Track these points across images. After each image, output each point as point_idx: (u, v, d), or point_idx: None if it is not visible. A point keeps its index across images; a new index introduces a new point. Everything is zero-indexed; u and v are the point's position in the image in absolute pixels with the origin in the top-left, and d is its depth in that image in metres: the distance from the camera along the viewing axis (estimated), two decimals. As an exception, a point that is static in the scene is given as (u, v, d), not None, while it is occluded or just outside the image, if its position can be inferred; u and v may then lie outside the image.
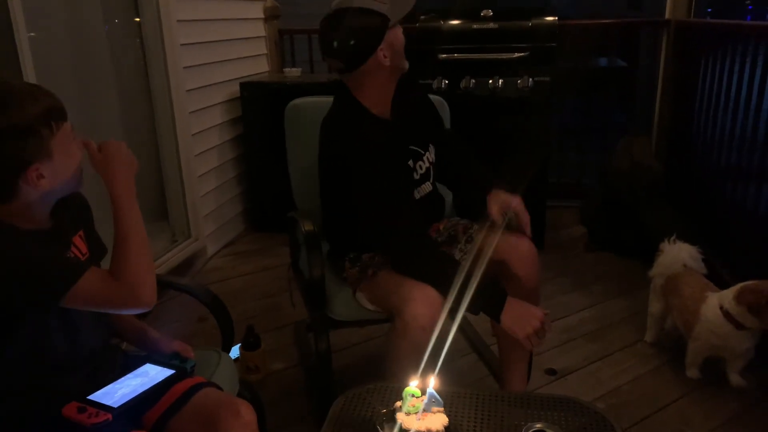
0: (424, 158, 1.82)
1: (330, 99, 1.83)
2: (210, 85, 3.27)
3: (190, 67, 3.04)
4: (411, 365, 1.52)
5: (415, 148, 1.79)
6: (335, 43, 1.63)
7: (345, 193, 1.71)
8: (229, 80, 3.45)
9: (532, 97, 3.05)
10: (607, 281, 2.95)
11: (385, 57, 1.65)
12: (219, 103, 3.39)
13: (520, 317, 1.57)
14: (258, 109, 3.46)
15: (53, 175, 1.12)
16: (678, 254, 2.29)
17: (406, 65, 1.72)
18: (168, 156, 3.03)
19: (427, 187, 1.83)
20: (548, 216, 3.34)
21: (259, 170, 3.59)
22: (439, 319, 1.57)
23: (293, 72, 3.71)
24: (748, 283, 2.00)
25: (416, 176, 1.79)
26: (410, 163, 1.77)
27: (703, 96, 3.09)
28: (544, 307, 2.51)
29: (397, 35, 1.67)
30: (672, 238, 2.35)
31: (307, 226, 1.86)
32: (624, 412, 2.01)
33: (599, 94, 3.66)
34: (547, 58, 3.08)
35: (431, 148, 1.84)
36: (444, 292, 1.58)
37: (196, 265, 3.18)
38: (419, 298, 1.57)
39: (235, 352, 2.32)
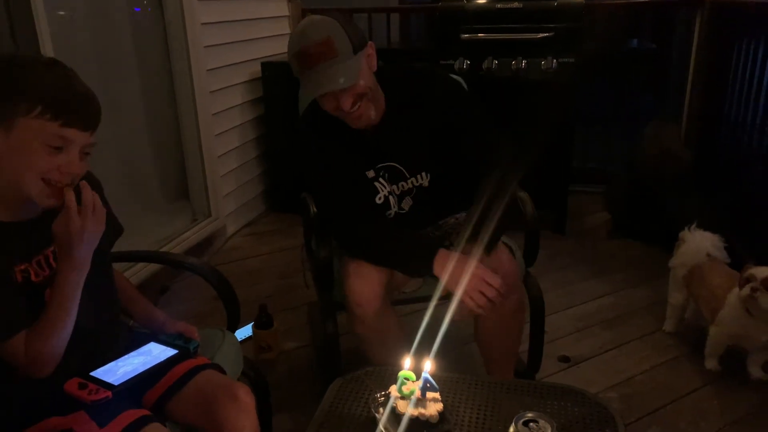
0: (408, 181, 1.68)
1: None
2: (231, 64, 3.27)
3: (211, 46, 3.04)
4: (370, 342, 1.61)
5: (396, 165, 1.66)
6: None
7: None
8: (251, 60, 3.44)
9: (556, 79, 2.97)
10: (629, 269, 2.89)
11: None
12: (240, 83, 3.39)
13: (457, 272, 1.45)
14: (279, 89, 3.45)
15: (2, 149, 1.07)
16: (701, 243, 2.23)
17: (351, 124, 1.56)
18: (189, 135, 3.05)
19: (405, 204, 1.71)
20: (571, 201, 3.27)
21: (279, 151, 3.60)
22: (379, 294, 1.55)
23: (315, 52, 3.68)
24: None
25: (378, 198, 1.67)
26: (380, 183, 1.66)
27: (736, 80, 2.97)
28: (564, 293, 2.44)
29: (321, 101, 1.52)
30: (692, 227, 2.28)
31: (315, 208, 1.85)
32: (637, 402, 1.97)
33: (628, 77, 3.55)
34: (573, 39, 2.99)
35: (425, 175, 1.68)
36: (384, 264, 1.57)
37: (215, 245, 3.21)
38: (353, 274, 1.57)
39: (248, 330, 2.34)
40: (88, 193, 1.13)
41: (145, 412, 1.17)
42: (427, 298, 1.56)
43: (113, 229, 1.36)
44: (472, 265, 1.44)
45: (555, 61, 2.97)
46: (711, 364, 2.13)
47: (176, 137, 3.07)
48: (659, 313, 2.44)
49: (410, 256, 1.55)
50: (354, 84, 1.46)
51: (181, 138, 3.06)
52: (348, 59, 1.45)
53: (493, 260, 1.56)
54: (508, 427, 1.03)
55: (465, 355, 2.17)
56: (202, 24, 2.95)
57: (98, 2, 2.59)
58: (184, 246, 2.90)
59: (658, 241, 3.00)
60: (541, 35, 3.00)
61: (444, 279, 1.47)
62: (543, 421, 0.93)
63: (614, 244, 3.17)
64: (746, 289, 1.91)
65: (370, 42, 1.53)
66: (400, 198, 1.70)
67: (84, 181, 1.15)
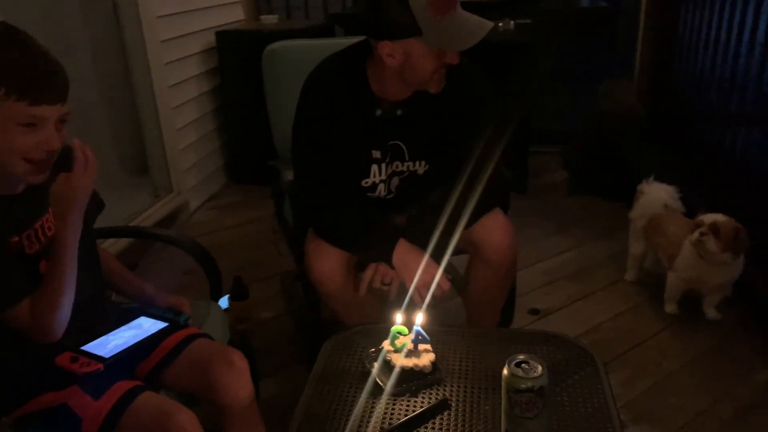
0: (405, 164, 1.63)
1: (310, 42, 1.77)
2: (185, 35, 3.18)
3: (164, 16, 2.95)
4: (341, 313, 1.63)
5: (401, 144, 1.59)
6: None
7: None
8: (205, 29, 3.35)
9: (514, 40, 3.02)
10: (589, 223, 3.00)
11: (389, 56, 1.40)
12: (195, 54, 3.30)
13: (412, 267, 1.48)
14: (235, 58, 3.39)
15: None
16: (659, 195, 2.34)
17: (432, 88, 1.46)
18: (146, 108, 2.97)
19: (392, 185, 1.67)
20: (531, 161, 3.35)
21: (238, 122, 3.54)
22: (339, 270, 1.55)
23: (270, 19, 3.62)
24: None
25: (365, 182, 1.62)
26: (380, 167, 1.60)
27: (684, 37, 3.08)
28: (529, 249, 2.48)
29: (423, 55, 1.38)
30: (650, 179, 2.38)
31: (289, 175, 1.84)
32: (605, 347, 2.08)
33: (582, 36, 3.64)
34: (529, 1, 3.04)
35: (423, 164, 1.63)
36: (346, 249, 1.56)
37: (179, 220, 3.17)
38: (312, 252, 1.57)
39: (224, 303, 2.34)
40: (81, 150, 1.12)
41: (137, 382, 1.18)
42: None
43: (96, 204, 1.35)
44: (427, 269, 1.47)
45: (512, 22, 3.01)
46: (670, 308, 2.25)
47: (133, 112, 2.99)
48: (619, 263, 2.55)
49: (371, 246, 1.55)
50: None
51: (138, 112, 2.98)
52: None
53: (490, 225, 1.60)
54: (495, 373, 1.08)
55: (450, 308, 2.23)
56: (153, -8, 2.85)
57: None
58: (147, 223, 2.85)
59: (615, 196, 3.12)
60: (497, -4, 3.03)
61: (400, 271, 1.51)
62: (534, 362, 0.99)
63: (574, 201, 3.28)
64: (695, 234, 2.03)
65: None
66: (390, 177, 1.64)
67: (76, 139, 1.13)
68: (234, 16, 3.72)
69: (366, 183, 1.62)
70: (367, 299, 1.64)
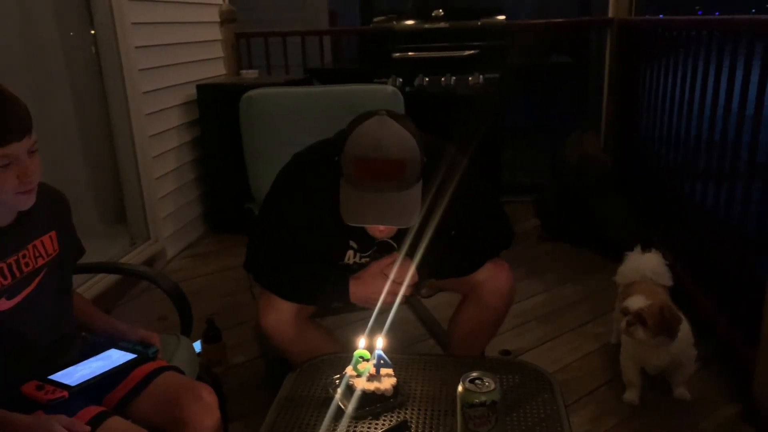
0: (394, 254, 1.59)
1: (285, 90, 1.83)
2: (166, 87, 3.29)
3: (146, 69, 3.06)
4: (295, 362, 1.54)
5: (391, 242, 1.59)
6: None
7: None
8: (186, 83, 3.46)
9: (483, 93, 3.17)
10: (559, 268, 3.07)
11: None
12: (176, 106, 3.40)
13: (372, 295, 1.51)
14: (215, 111, 3.49)
15: None
16: (639, 266, 2.16)
17: (374, 235, 1.52)
18: (125, 158, 3.03)
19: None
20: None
21: (217, 172, 3.61)
22: (290, 323, 1.56)
23: (250, 74, 3.76)
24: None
25: (346, 260, 1.62)
26: (353, 245, 1.59)
27: (644, 92, 3.25)
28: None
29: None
30: (637, 248, 2.23)
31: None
32: (575, 385, 2.11)
33: (550, 91, 3.81)
34: (497, 56, 3.20)
35: (416, 255, 1.55)
36: (297, 301, 1.57)
37: (156, 267, 3.17)
38: (265, 306, 1.58)
39: (197, 346, 2.34)
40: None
41: (103, 408, 1.19)
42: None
43: (76, 249, 1.41)
44: (380, 284, 1.50)
45: (481, 76, 3.16)
46: (630, 395, 2.00)
47: (112, 160, 3.05)
48: (589, 306, 2.62)
49: (324, 292, 1.56)
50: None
51: (117, 161, 3.04)
52: (410, 188, 1.33)
53: (493, 269, 1.63)
54: (455, 397, 1.12)
55: (422, 350, 2.26)
56: (136, 47, 2.96)
57: (29, 25, 2.58)
58: (123, 269, 2.86)
59: (583, 242, 3.22)
60: (467, 53, 3.20)
61: (361, 304, 1.55)
62: (487, 378, 1.02)
63: (544, 247, 3.36)
64: (623, 323, 1.88)
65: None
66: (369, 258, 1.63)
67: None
68: (215, 71, 3.86)
69: (341, 263, 1.62)
70: (320, 347, 1.60)
